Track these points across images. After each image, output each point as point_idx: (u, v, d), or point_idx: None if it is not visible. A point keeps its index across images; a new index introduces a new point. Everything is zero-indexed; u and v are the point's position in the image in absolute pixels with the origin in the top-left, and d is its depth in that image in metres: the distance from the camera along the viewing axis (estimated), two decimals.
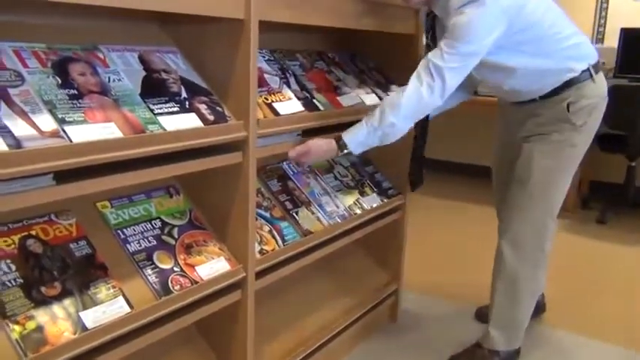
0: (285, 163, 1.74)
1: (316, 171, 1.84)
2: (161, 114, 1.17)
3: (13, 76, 0.99)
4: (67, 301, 1.03)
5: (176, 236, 1.30)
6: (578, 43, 1.70)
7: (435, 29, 1.73)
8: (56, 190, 0.96)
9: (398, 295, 2.22)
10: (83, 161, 0.96)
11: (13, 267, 1.02)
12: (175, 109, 1.21)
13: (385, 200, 1.98)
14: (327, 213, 1.70)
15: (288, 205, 1.61)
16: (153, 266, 1.20)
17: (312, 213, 1.66)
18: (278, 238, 1.49)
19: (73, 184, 0.98)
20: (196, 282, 1.24)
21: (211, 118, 1.26)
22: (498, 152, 2.05)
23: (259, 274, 1.42)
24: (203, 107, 1.27)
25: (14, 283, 1.00)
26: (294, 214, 1.60)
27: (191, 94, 1.28)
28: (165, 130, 1.14)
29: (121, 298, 1.10)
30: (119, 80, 1.17)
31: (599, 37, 4.09)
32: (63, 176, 0.96)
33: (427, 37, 1.77)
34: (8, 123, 0.91)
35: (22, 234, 1.08)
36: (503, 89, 1.77)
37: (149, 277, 1.18)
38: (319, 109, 1.61)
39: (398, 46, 2.02)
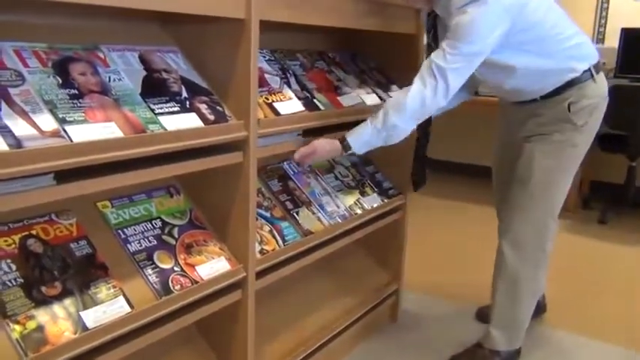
0: (285, 163, 1.74)
1: (317, 171, 1.84)
2: (162, 114, 1.17)
3: (13, 75, 0.99)
4: (67, 301, 1.03)
5: (176, 236, 1.30)
6: (579, 43, 1.69)
7: (436, 28, 1.73)
8: (57, 190, 0.96)
9: (398, 295, 2.22)
10: (84, 161, 0.96)
11: (14, 267, 1.02)
12: (176, 108, 1.21)
13: (386, 200, 1.98)
14: (327, 213, 1.70)
15: (289, 205, 1.61)
16: (153, 266, 1.20)
17: (313, 213, 1.66)
18: (278, 238, 1.49)
19: (73, 184, 0.98)
20: (197, 282, 1.24)
21: (212, 117, 1.26)
22: (499, 152, 2.05)
23: (260, 274, 1.42)
24: (203, 107, 1.27)
25: (15, 283, 1.00)
26: (295, 214, 1.60)
27: (192, 93, 1.28)
28: (165, 129, 1.14)
29: (121, 298, 1.10)
30: (120, 80, 1.17)
31: (599, 37, 4.09)
32: (63, 176, 0.96)
33: (428, 37, 1.77)
34: (9, 123, 0.91)
35: (23, 234, 1.08)
36: (504, 89, 1.77)
37: (149, 277, 1.18)
38: (320, 109, 1.60)
39: (399, 46, 2.02)
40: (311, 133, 1.57)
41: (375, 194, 1.96)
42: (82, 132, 0.99)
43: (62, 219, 1.15)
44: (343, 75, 1.88)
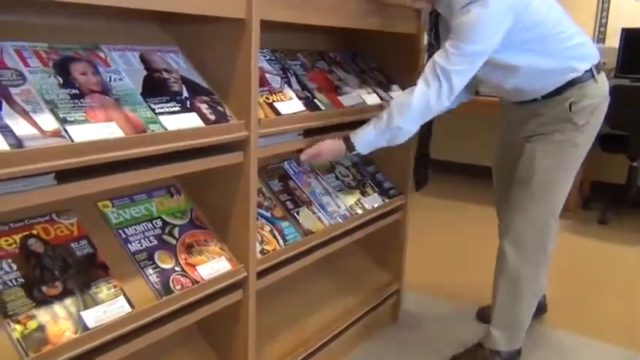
0: (286, 162, 1.74)
1: (317, 171, 1.83)
2: (162, 113, 1.17)
3: (14, 75, 0.99)
4: (68, 301, 1.03)
5: (177, 236, 1.30)
6: (580, 43, 1.69)
7: (437, 27, 1.73)
8: (57, 190, 0.96)
9: (399, 295, 2.22)
10: (84, 161, 0.96)
11: (15, 266, 1.02)
12: (176, 108, 1.21)
13: (386, 200, 1.98)
14: (328, 213, 1.70)
15: (289, 205, 1.61)
16: (154, 266, 1.20)
17: (313, 213, 1.66)
18: (279, 237, 1.49)
19: (74, 184, 0.98)
20: (197, 282, 1.24)
21: (212, 117, 1.26)
22: (499, 152, 2.05)
23: (260, 274, 1.42)
24: (204, 107, 1.27)
25: (15, 283, 1.00)
26: (295, 214, 1.60)
27: (192, 93, 1.28)
28: (166, 129, 1.14)
29: (122, 298, 1.10)
30: (120, 80, 1.16)
31: (600, 37, 4.09)
32: (64, 176, 0.96)
33: (430, 36, 1.76)
34: (10, 122, 0.91)
35: (24, 233, 1.08)
36: (505, 88, 1.76)
37: (150, 277, 1.18)
38: (320, 109, 1.60)
39: (399, 45, 2.02)
40: (312, 133, 1.57)
41: (376, 194, 1.96)
42: (83, 132, 0.99)
43: (63, 219, 1.15)
44: (344, 75, 1.88)
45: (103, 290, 1.09)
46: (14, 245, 1.05)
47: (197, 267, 1.27)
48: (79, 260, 1.11)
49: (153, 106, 1.17)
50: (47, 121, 0.96)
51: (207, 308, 1.28)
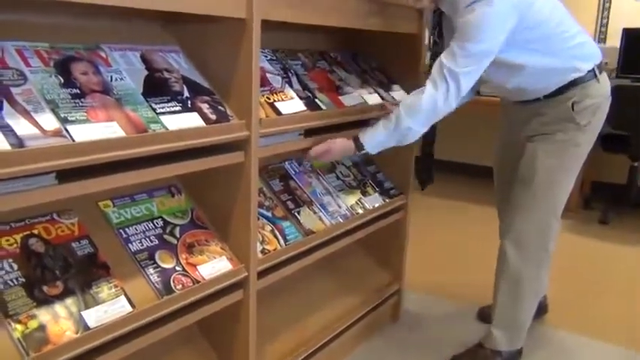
0: (287, 162, 1.74)
1: (318, 171, 1.83)
2: (163, 113, 1.17)
3: (15, 75, 0.99)
4: (69, 301, 1.03)
5: (178, 235, 1.30)
6: (583, 43, 1.69)
7: (441, 26, 1.73)
8: (58, 190, 0.96)
9: (400, 295, 2.22)
10: (85, 160, 0.96)
11: (16, 266, 1.02)
12: (177, 108, 1.21)
13: (387, 200, 1.98)
14: (329, 213, 1.70)
15: (290, 205, 1.61)
16: (155, 265, 1.20)
17: (314, 213, 1.66)
18: (280, 237, 1.49)
19: (75, 184, 0.98)
20: (198, 281, 1.24)
21: (213, 117, 1.26)
22: (500, 152, 2.05)
23: (261, 274, 1.42)
24: (205, 106, 1.27)
25: (16, 282, 1.00)
26: (296, 214, 1.60)
27: (193, 93, 1.28)
28: (167, 129, 1.14)
29: (122, 298, 1.10)
30: (121, 79, 1.16)
31: (601, 37, 4.09)
32: (65, 175, 0.96)
33: (434, 34, 1.76)
34: (11, 122, 0.91)
35: (25, 233, 1.08)
36: (508, 88, 1.76)
37: (151, 277, 1.18)
38: (321, 109, 1.60)
39: (400, 45, 2.02)
40: (312, 133, 1.57)
41: (377, 194, 1.96)
42: (84, 131, 0.99)
43: (64, 218, 1.15)
44: (345, 75, 1.88)
45: (104, 290, 1.09)
46: (15, 245, 1.05)
47: (198, 267, 1.27)
48: (79, 260, 1.11)
49: (154, 105, 1.17)
50: (48, 120, 0.96)
51: (207, 308, 1.28)
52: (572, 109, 1.68)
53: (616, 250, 3.18)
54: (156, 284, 1.17)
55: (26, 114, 0.95)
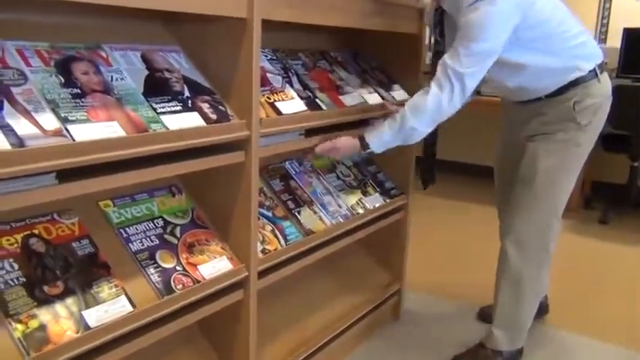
0: (287, 162, 1.74)
1: (319, 170, 1.83)
2: (164, 113, 1.16)
3: (16, 74, 0.99)
4: (69, 300, 1.03)
5: (178, 235, 1.30)
6: (584, 42, 1.69)
7: (443, 24, 1.73)
8: (59, 189, 0.96)
9: (400, 295, 2.22)
10: (86, 160, 0.96)
11: (16, 266, 1.02)
12: (178, 108, 1.21)
13: (388, 200, 1.98)
14: (329, 212, 1.70)
15: (291, 205, 1.61)
16: (155, 265, 1.20)
17: (315, 212, 1.66)
18: (280, 237, 1.49)
19: (75, 183, 0.98)
20: (198, 281, 1.24)
21: (214, 117, 1.26)
22: (501, 152, 2.04)
23: (261, 274, 1.42)
24: (206, 106, 1.27)
25: (17, 282, 1.00)
26: (297, 214, 1.60)
27: (194, 93, 1.28)
28: (167, 129, 1.14)
29: (123, 297, 1.10)
30: (122, 79, 1.16)
31: (601, 37, 4.09)
32: (66, 175, 0.96)
33: (435, 33, 1.76)
34: (11, 122, 0.91)
35: (25, 233, 1.08)
36: (509, 88, 1.76)
37: (151, 277, 1.18)
38: (322, 109, 1.60)
39: (401, 45, 2.02)
40: (313, 133, 1.57)
41: (377, 194, 1.96)
42: (85, 131, 0.99)
43: (64, 218, 1.15)
44: (345, 74, 1.88)
45: (105, 290, 1.09)
46: (16, 245, 1.05)
47: (198, 266, 1.27)
48: (80, 260, 1.11)
49: (154, 105, 1.16)
50: (49, 120, 0.96)
51: (208, 308, 1.28)
52: (573, 109, 1.68)
53: (616, 250, 3.17)
54: (156, 284, 1.17)
55: (27, 114, 0.95)
